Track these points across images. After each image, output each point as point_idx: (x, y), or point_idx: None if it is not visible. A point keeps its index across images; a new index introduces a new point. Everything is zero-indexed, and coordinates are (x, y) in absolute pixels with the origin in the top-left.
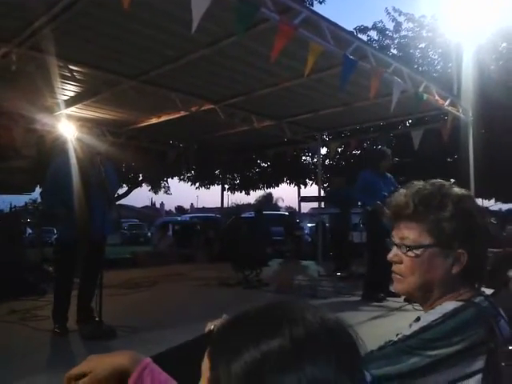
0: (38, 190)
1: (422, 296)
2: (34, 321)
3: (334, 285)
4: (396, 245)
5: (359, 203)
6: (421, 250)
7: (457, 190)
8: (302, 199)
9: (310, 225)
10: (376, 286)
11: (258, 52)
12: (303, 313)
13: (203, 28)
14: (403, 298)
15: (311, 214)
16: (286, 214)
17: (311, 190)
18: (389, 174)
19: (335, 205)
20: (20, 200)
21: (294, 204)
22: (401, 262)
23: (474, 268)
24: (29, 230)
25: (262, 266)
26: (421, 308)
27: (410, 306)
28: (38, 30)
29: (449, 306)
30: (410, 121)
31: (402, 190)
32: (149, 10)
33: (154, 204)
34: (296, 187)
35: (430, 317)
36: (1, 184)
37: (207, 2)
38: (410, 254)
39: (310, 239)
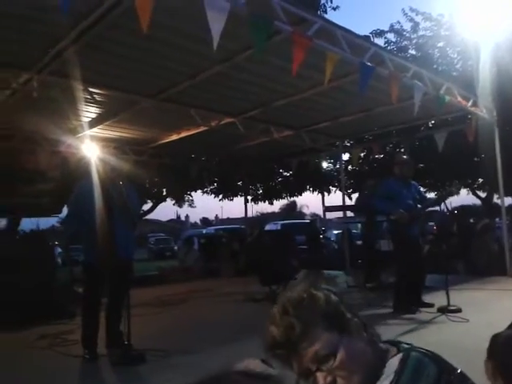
0: (65, 210)
1: None
2: (64, 346)
3: (364, 296)
4: None
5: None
6: None
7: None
8: (327, 209)
9: (336, 232)
10: (407, 297)
11: (274, 64)
12: None
13: (218, 44)
14: (436, 308)
15: (337, 222)
16: (311, 221)
17: (335, 196)
18: (412, 181)
19: (362, 213)
20: (49, 222)
21: (320, 211)
22: None
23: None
24: (58, 250)
25: (289, 279)
26: (455, 320)
27: (443, 317)
28: (57, 55)
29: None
30: (433, 122)
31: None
32: (164, 29)
33: (179, 217)
34: (320, 194)
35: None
36: (29, 207)
37: (223, 18)
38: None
39: (336, 246)
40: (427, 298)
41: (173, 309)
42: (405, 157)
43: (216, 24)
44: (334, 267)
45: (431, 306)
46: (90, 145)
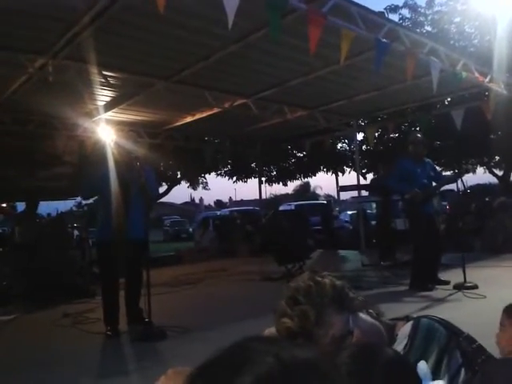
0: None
1: None
2: (86, 324)
3: (379, 274)
4: None
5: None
6: None
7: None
8: (341, 189)
9: (350, 212)
10: (423, 275)
11: (287, 43)
12: (259, 356)
13: (232, 24)
14: (453, 285)
15: (351, 202)
16: (325, 202)
17: (349, 177)
18: (426, 159)
19: (377, 192)
20: (67, 205)
21: (333, 192)
22: None
23: None
24: (76, 233)
25: (305, 258)
26: (472, 296)
27: (460, 294)
28: (71, 39)
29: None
30: (449, 99)
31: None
32: (176, 10)
33: (193, 200)
34: (334, 175)
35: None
36: (47, 191)
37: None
38: None
39: (351, 227)
40: (443, 275)
41: (190, 288)
42: (419, 135)
43: (231, 2)
44: (348, 247)
45: (447, 283)
46: (106, 128)
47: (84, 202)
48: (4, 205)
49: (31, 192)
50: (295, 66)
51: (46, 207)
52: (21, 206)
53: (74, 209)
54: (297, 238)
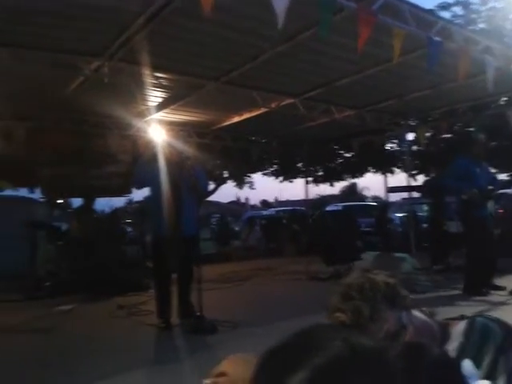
0: (135, 191)
1: None
2: (140, 315)
3: (431, 278)
4: None
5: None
6: None
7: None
8: (391, 190)
9: (399, 215)
10: (478, 279)
11: (336, 42)
12: (329, 340)
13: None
14: (508, 291)
15: (401, 204)
16: (374, 204)
17: (397, 178)
18: (483, 162)
19: (430, 194)
20: (119, 202)
21: (381, 193)
22: None
23: None
24: (129, 229)
25: (354, 259)
26: None
27: None
28: (125, 42)
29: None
30: (505, 99)
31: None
32: (225, 11)
33: (238, 199)
34: (382, 176)
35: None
36: (101, 188)
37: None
38: None
39: (400, 230)
40: (499, 281)
41: (238, 285)
42: (482, 136)
43: (280, 3)
44: (398, 250)
45: (503, 288)
46: (157, 128)
47: (135, 200)
48: (60, 201)
49: (85, 189)
50: (343, 65)
51: (100, 204)
52: (76, 202)
53: (126, 206)
54: (345, 239)
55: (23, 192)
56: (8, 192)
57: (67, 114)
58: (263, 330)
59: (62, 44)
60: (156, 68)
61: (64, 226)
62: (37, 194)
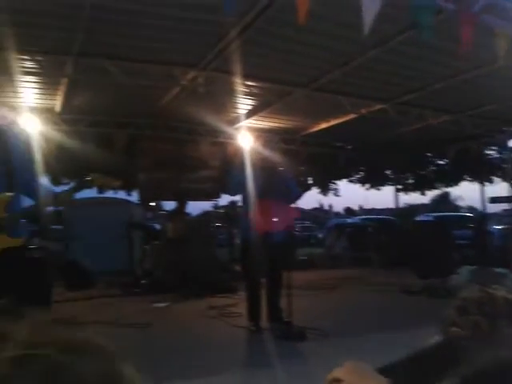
0: (224, 196)
1: None
2: (230, 317)
3: None
4: None
5: None
6: None
7: None
8: (494, 200)
9: (498, 227)
10: None
11: (431, 45)
12: (475, 352)
13: (372, 29)
14: None
15: (501, 216)
16: (470, 215)
17: (496, 188)
18: None
19: None
20: (208, 206)
21: (476, 203)
22: None
23: None
24: (218, 232)
25: (450, 273)
26: None
27: None
28: (219, 53)
29: None
30: None
31: None
32: (316, 18)
33: (321, 206)
34: (477, 185)
35: None
36: (192, 192)
37: (377, 5)
38: None
39: (499, 243)
40: None
41: (326, 293)
42: None
43: (370, 9)
44: (497, 265)
45: None
46: (246, 135)
47: (220, 204)
48: (153, 204)
49: (179, 193)
50: (439, 68)
51: (191, 207)
52: (167, 205)
53: (213, 210)
54: (439, 251)
55: (121, 194)
56: (108, 194)
57: (163, 122)
58: (354, 342)
59: (161, 55)
60: (247, 76)
61: (157, 227)
62: (133, 197)
